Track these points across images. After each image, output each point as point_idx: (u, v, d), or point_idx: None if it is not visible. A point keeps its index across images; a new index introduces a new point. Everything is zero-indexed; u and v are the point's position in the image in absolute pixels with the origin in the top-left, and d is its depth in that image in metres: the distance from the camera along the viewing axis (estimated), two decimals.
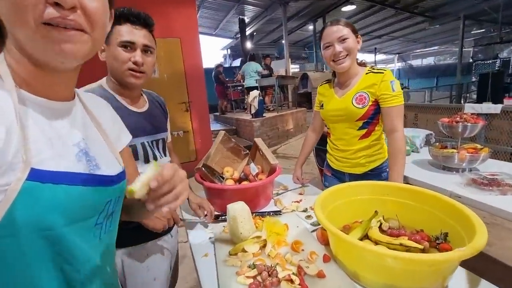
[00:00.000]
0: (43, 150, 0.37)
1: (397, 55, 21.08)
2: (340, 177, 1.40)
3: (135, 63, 0.84)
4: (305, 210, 1.20)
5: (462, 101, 10.09)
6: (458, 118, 1.56)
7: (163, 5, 3.72)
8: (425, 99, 9.69)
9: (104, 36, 0.45)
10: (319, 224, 1.06)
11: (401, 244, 0.74)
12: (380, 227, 0.88)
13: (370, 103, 1.18)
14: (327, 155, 1.48)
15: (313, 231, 1.03)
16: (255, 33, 11.76)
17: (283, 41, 9.06)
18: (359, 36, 1.20)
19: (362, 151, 1.28)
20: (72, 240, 0.40)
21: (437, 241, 0.78)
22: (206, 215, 1.12)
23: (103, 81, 0.92)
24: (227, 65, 13.81)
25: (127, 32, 0.83)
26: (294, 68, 13.51)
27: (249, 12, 9.78)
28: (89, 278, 0.45)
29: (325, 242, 0.92)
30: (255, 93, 5.52)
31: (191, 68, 4.04)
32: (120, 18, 0.82)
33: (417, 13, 9.77)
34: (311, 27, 11.22)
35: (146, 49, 0.87)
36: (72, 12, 0.37)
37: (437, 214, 0.84)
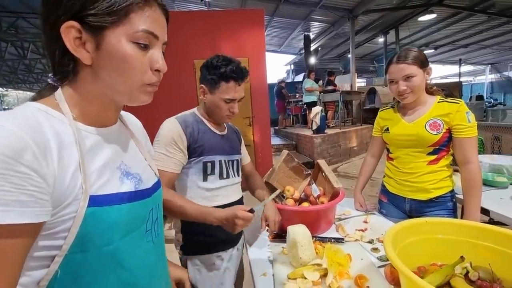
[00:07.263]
0: (96, 178, 0.45)
1: (489, 65, 18.05)
2: (399, 203, 1.33)
3: (231, 112, 1.05)
4: (371, 241, 1.11)
5: None
6: None
7: (235, 27, 4.04)
8: None
9: None
10: (387, 260, 0.97)
11: None
12: (466, 276, 0.75)
13: (444, 130, 1.17)
14: (384, 179, 1.43)
15: (380, 266, 0.94)
16: (319, 48, 11.67)
17: (349, 55, 8.75)
18: (428, 68, 1.18)
19: (429, 175, 1.22)
20: (127, 250, 0.48)
21: None
22: (267, 230, 1.13)
23: (194, 109, 1.12)
24: (289, 80, 14.02)
25: (231, 89, 1.02)
26: (360, 83, 12.87)
27: (315, 28, 9.82)
28: (146, 280, 0.53)
29: (395, 282, 0.83)
30: (317, 109, 5.42)
31: (256, 85, 4.24)
32: (228, 77, 0.99)
33: None
34: (381, 39, 10.60)
35: (240, 99, 1.06)
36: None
37: None
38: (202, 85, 1.06)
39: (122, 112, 0.60)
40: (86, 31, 0.42)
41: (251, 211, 0.91)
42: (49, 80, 0.47)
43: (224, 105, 1.03)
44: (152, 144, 0.76)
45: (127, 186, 0.50)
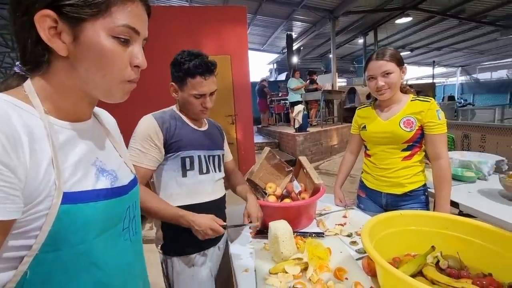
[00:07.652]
0: (70, 174, 0.43)
1: (460, 68, 19.08)
2: (376, 198, 1.39)
3: (204, 107, 1.03)
4: (349, 235, 1.14)
5: None
6: None
7: (217, 24, 4.00)
8: (495, 118, 8.50)
9: None
10: (365, 252, 1.00)
11: None
12: (437, 265, 0.79)
13: (417, 127, 1.22)
14: (362, 174, 1.48)
15: (358, 259, 0.97)
16: (302, 48, 11.80)
17: (331, 55, 8.93)
18: (404, 66, 1.24)
19: (404, 170, 1.28)
20: (102, 249, 0.46)
21: None
22: (250, 227, 1.14)
23: (173, 107, 1.11)
24: (272, 79, 14.09)
25: (199, 84, 0.99)
26: (341, 82, 13.16)
27: (297, 28, 9.91)
28: (121, 279, 0.51)
29: (372, 273, 0.86)
30: (300, 107, 5.49)
31: (239, 83, 4.22)
32: (193, 72, 0.97)
33: (486, 23, 8.79)
34: (360, 40, 10.88)
35: (212, 93, 1.04)
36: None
37: (511, 258, 0.73)
38: (172, 83, 1.05)
39: (96, 109, 0.58)
40: (63, 21, 0.40)
41: (224, 227, 0.96)
42: (16, 69, 0.44)
43: (195, 100, 1.01)
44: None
45: (103, 183, 0.48)
